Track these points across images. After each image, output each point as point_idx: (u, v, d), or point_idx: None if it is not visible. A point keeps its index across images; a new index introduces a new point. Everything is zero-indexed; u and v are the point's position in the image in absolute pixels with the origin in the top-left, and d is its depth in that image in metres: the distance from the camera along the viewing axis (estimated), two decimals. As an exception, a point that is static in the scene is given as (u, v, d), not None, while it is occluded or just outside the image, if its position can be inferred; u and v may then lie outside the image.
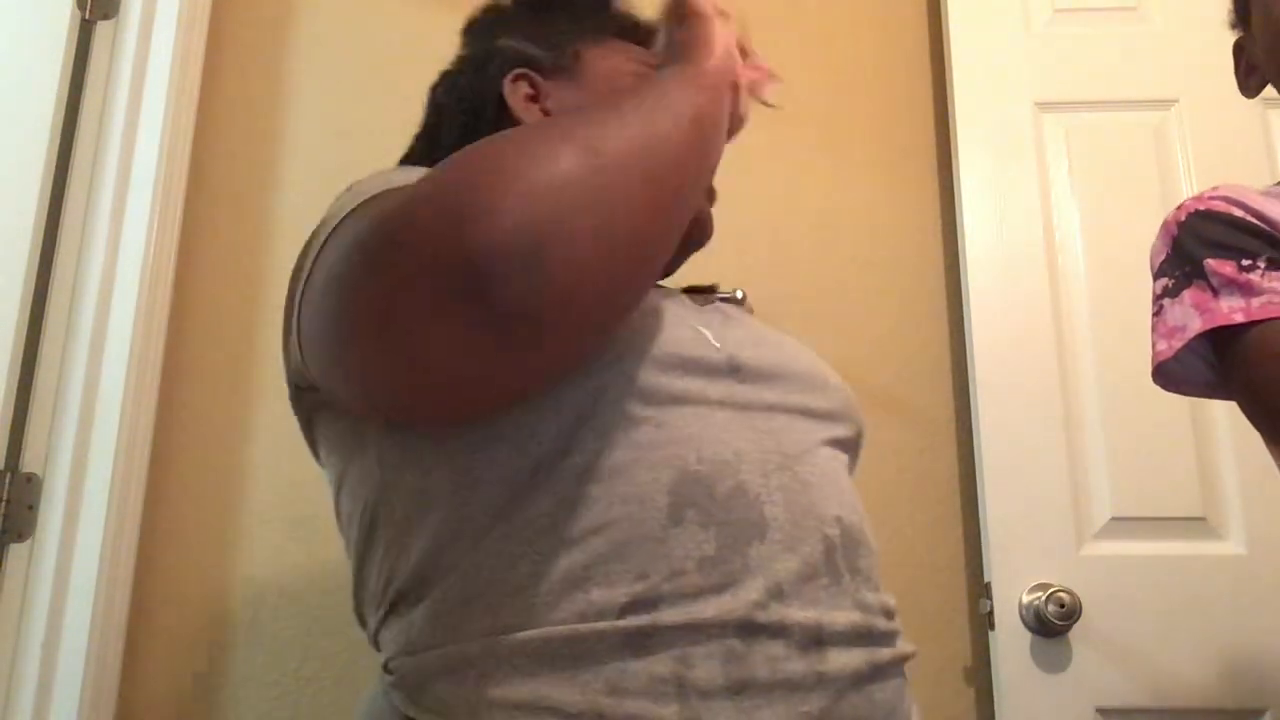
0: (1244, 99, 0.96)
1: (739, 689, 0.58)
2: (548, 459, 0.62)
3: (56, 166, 1.38)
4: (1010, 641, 1.30)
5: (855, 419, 0.77)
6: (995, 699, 1.30)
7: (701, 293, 0.80)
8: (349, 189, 0.68)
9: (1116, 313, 1.39)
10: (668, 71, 0.65)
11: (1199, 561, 1.31)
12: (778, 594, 0.61)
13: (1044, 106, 1.50)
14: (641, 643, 0.58)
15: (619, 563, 0.59)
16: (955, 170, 1.50)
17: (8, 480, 1.28)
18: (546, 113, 0.82)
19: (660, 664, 0.57)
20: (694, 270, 1.62)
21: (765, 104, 0.77)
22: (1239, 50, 0.96)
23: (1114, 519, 1.34)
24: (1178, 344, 0.83)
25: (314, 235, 0.65)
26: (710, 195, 0.83)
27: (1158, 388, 0.90)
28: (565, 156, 0.53)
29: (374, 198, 0.61)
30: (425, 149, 0.88)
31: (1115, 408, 1.36)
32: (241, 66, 1.58)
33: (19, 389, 1.30)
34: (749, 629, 0.59)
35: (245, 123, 1.56)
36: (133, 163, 1.41)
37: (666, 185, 0.57)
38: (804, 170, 1.56)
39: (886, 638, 0.66)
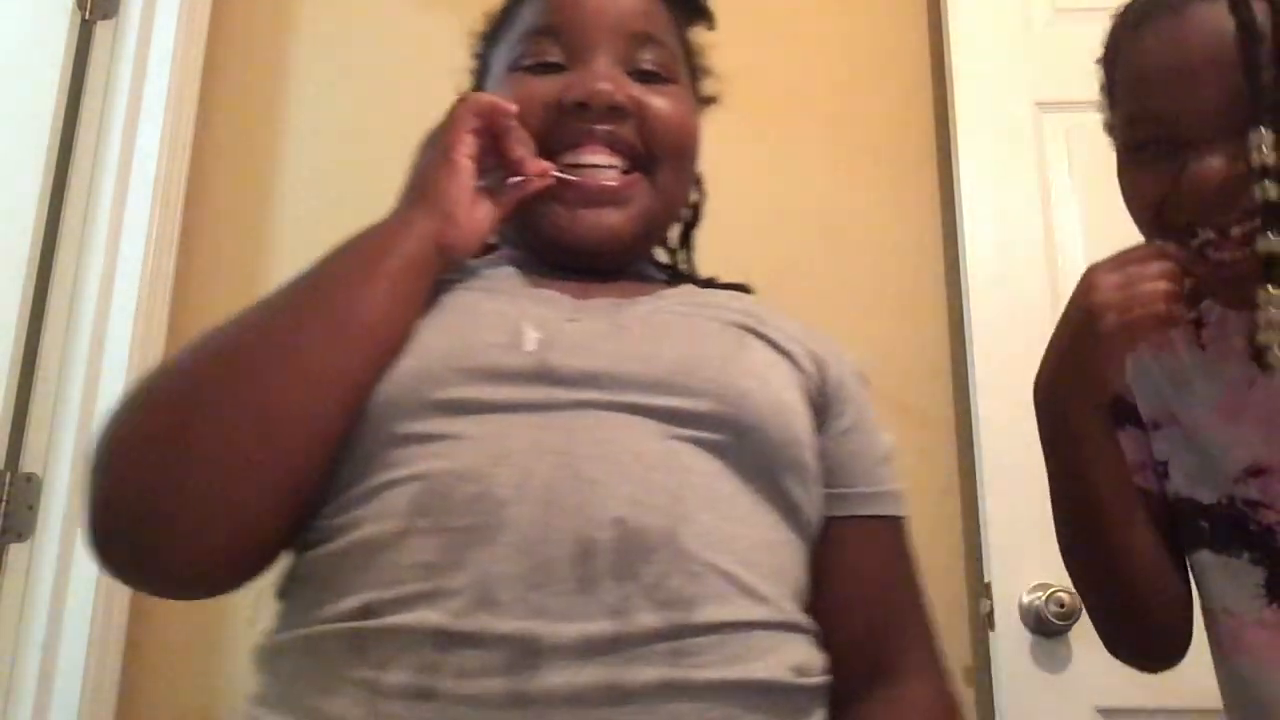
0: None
1: (426, 696, 0.55)
2: (337, 489, 0.64)
3: (56, 166, 1.38)
4: (1010, 641, 1.29)
5: (732, 415, 0.66)
6: (995, 699, 1.29)
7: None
8: None
9: (1116, 313, 1.39)
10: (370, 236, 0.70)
11: (1199, 561, 1.31)
12: (487, 601, 0.57)
13: (1044, 106, 1.50)
14: (359, 646, 0.58)
15: (361, 574, 0.60)
16: (955, 170, 1.50)
17: (8, 480, 1.28)
18: None
19: (365, 669, 0.57)
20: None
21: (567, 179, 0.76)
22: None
23: (1114, 519, 1.34)
24: None
25: None
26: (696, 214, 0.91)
27: None
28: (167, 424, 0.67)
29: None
30: None
31: (1115, 408, 1.36)
32: (241, 67, 1.58)
33: (19, 389, 1.30)
34: (444, 639, 0.56)
35: (245, 123, 1.56)
36: (133, 163, 1.41)
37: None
38: (804, 170, 1.56)
39: (660, 656, 0.57)
